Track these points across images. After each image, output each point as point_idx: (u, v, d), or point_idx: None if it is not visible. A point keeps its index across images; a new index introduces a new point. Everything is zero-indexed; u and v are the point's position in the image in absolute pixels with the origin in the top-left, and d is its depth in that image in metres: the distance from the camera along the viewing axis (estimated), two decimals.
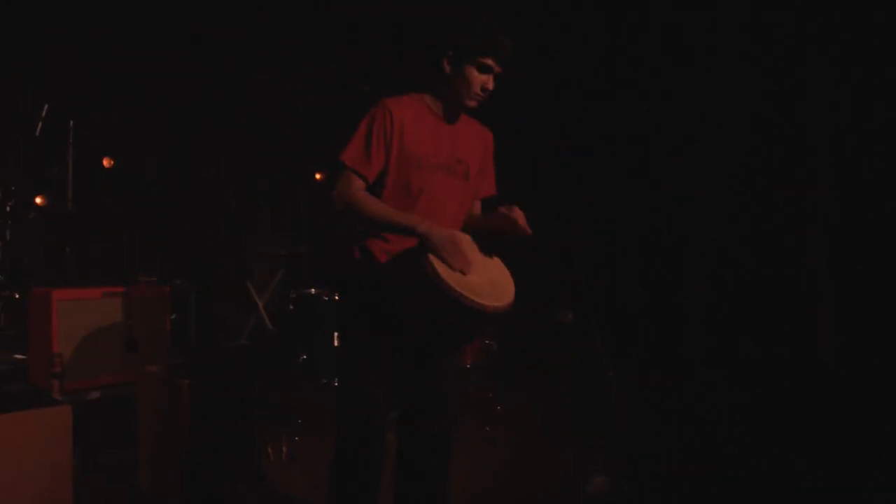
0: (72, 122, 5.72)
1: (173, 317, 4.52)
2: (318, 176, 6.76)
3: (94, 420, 3.53)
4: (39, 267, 5.28)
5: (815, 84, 4.64)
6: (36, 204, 5.52)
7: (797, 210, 4.73)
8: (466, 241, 2.32)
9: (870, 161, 4.40)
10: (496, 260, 2.44)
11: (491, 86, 2.36)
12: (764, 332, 4.78)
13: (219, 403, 3.25)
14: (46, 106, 4.90)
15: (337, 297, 2.26)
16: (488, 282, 2.28)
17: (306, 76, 6.93)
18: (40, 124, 4.86)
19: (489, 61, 2.32)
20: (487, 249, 2.41)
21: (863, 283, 4.45)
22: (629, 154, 5.61)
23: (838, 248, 4.51)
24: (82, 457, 3.11)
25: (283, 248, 6.64)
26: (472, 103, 2.39)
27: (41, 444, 2.63)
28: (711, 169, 5.12)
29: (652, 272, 5.48)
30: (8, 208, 4.83)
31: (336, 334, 2.36)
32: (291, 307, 3.95)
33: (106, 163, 6.61)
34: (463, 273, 2.22)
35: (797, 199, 4.77)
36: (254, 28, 6.96)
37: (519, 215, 2.35)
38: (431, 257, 2.19)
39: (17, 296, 4.82)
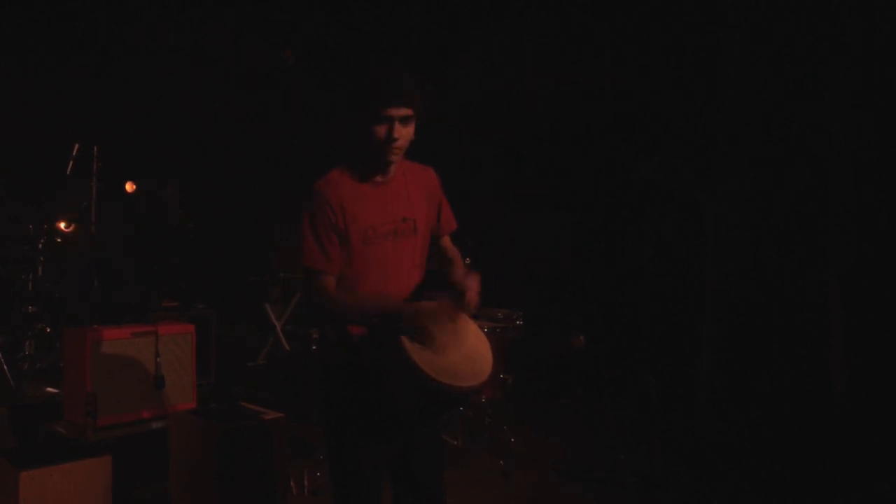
0: (96, 148, 5.87)
1: None
2: None
3: (126, 454, 3.66)
4: (69, 295, 5.44)
5: (836, 125, 4.70)
6: (61, 229, 5.69)
7: (813, 244, 4.80)
8: (445, 307, 2.33)
9: (890, 208, 4.45)
10: (467, 322, 2.43)
11: (398, 133, 2.27)
12: (776, 369, 4.86)
13: (244, 443, 3.41)
14: (77, 145, 5.06)
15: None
16: (465, 355, 2.30)
17: (324, 100, 7.07)
18: (71, 163, 5.02)
19: (386, 111, 2.25)
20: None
21: (875, 323, 4.51)
22: (644, 189, 5.71)
23: (851, 289, 4.59)
24: (116, 489, 3.26)
25: (301, 271, 6.77)
26: (393, 157, 2.34)
27: (83, 493, 2.78)
28: (728, 208, 5.20)
29: (665, 307, 5.58)
30: (40, 245, 4.99)
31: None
32: (314, 347, 4.10)
33: (129, 187, 6.78)
34: (441, 343, 2.25)
35: (813, 236, 4.84)
36: (274, 54, 7.10)
37: (472, 287, 2.37)
38: (404, 340, 2.20)
39: (48, 329, 4.98)
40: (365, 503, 2.39)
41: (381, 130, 2.27)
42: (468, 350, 2.33)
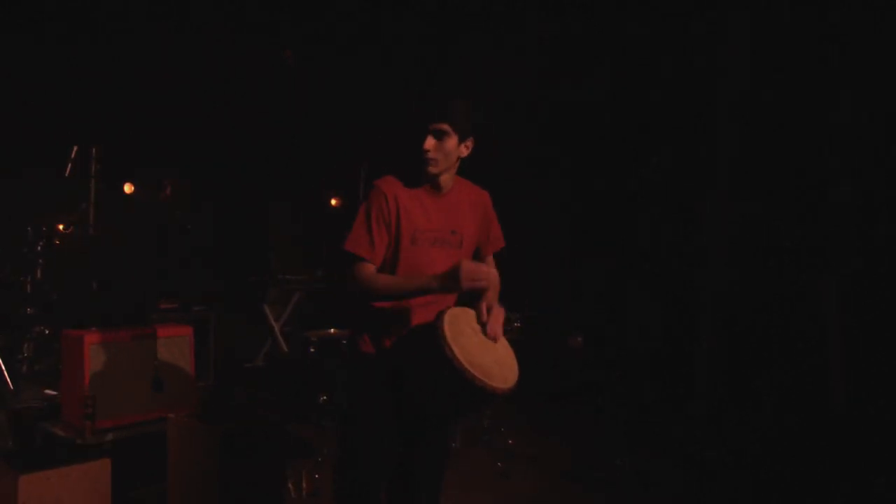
0: (95, 149, 5.87)
1: None
2: (333, 202, 6.92)
3: (124, 456, 3.67)
4: (66, 296, 5.43)
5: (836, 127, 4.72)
6: (59, 231, 5.68)
7: (811, 256, 4.81)
8: (471, 314, 2.44)
9: (889, 212, 4.45)
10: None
11: (428, 144, 2.45)
12: (774, 378, 4.87)
13: (242, 445, 3.42)
14: (76, 147, 5.06)
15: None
16: (495, 361, 2.38)
17: (324, 102, 7.07)
18: (70, 165, 5.02)
19: (423, 124, 2.46)
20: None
21: (873, 325, 4.52)
22: (645, 193, 5.72)
23: (849, 297, 4.59)
24: (114, 492, 3.27)
25: (300, 273, 6.80)
26: (429, 168, 2.49)
27: (82, 496, 2.79)
28: (726, 210, 5.22)
29: (665, 310, 5.58)
30: (39, 247, 4.99)
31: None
32: (312, 350, 4.11)
33: (127, 188, 6.78)
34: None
35: (811, 238, 4.85)
36: (274, 53, 7.10)
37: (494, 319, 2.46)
38: (445, 332, 2.26)
39: (47, 331, 4.98)
40: (368, 489, 2.47)
41: (417, 141, 2.46)
42: (498, 356, 2.42)
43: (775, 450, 4.51)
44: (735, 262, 5.15)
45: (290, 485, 3.93)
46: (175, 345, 4.19)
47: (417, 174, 2.52)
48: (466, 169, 2.72)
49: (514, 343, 4.58)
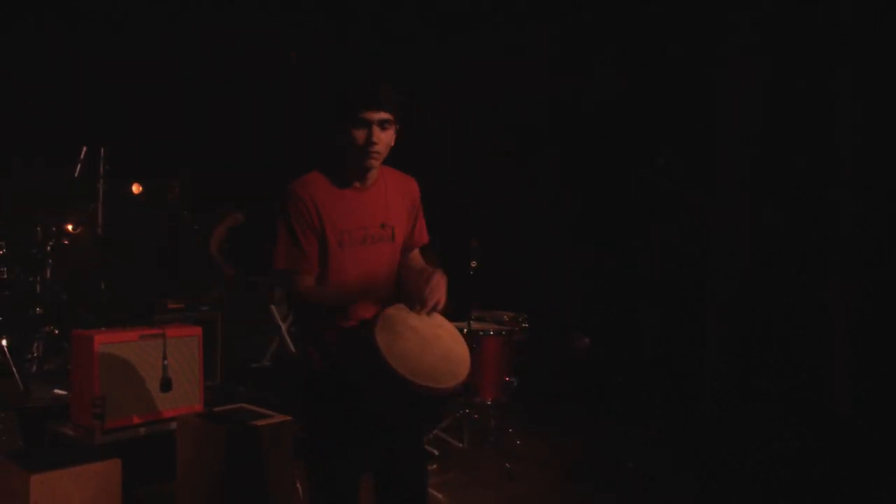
0: (103, 150, 5.90)
1: None
2: None
3: (133, 456, 3.69)
4: (76, 297, 5.46)
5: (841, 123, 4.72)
6: (68, 231, 5.71)
7: (815, 247, 4.80)
8: (406, 309, 2.33)
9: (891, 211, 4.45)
10: (444, 323, 2.41)
11: (377, 137, 2.27)
12: (779, 379, 4.87)
13: (250, 445, 3.44)
14: (85, 148, 5.09)
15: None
16: (441, 356, 2.28)
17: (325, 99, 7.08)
18: (79, 166, 5.05)
19: (365, 115, 2.26)
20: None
21: (879, 336, 4.52)
22: (647, 193, 5.73)
23: (855, 300, 4.59)
24: (123, 491, 3.29)
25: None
26: (372, 162, 2.32)
27: (93, 496, 2.80)
28: (733, 212, 5.21)
29: (670, 313, 5.59)
30: (48, 247, 5.02)
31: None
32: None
33: (135, 189, 6.81)
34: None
35: (815, 239, 4.85)
36: (279, 54, 7.13)
37: (436, 284, 2.34)
38: (379, 343, 2.16)
39: (56, 331, 5.00)
40: (338, 494, 2.38)
41: (360, 134, 2.27)
42: (444, 351, 2.31)
43: (781, 451, 4.51)
44: (742, 264, 5.15)
45: (297, 485, 3.94)
46: (184, 345, 4.20)
47: (344, 169, 2.37)
48: (472, 171, 2.66)
49: (522, 344, 4.64)
